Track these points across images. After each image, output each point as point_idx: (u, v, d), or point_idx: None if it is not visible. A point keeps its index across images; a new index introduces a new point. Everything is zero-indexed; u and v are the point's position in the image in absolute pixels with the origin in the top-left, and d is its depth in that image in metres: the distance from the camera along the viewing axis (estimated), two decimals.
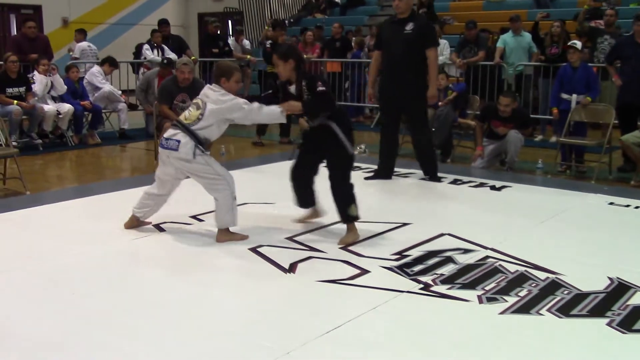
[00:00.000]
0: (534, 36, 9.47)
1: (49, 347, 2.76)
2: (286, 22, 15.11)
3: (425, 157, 6.22)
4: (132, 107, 9.60)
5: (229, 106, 4.10)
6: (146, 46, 10.42)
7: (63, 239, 4.24)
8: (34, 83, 8.27)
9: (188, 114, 4.18)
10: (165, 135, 4.20)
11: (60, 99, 8.50)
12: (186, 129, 4.09)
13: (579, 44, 7.23)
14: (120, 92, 9.45)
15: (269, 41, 10.05)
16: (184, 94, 6.81)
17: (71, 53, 11.24)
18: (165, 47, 10.20)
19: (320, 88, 4.19)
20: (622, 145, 6.62)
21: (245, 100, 4.16)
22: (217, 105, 4.10)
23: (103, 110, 9.16)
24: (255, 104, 4.16)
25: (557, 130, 7.69)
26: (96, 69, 9.34)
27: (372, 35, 11.41)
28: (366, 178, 6.06)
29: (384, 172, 6.19)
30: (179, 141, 4.08)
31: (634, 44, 7.13)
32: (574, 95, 7.06)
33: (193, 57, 10.47)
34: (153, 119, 7.72)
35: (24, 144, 8.04)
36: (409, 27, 5.79)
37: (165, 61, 9.15)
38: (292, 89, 4.30)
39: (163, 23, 10.88)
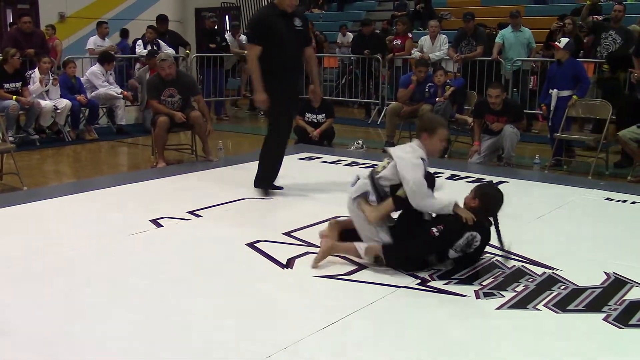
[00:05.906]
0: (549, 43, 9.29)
1: (49, 341, 2.76)
2: None
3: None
4: (134, 98, 9.63)
5: (401, 166, 3.64)
6: (138, 42, 10.42)
7: (60, 234, 4.23)
8: (30, 81, 8.25)
9: (381, 162, 3.88)
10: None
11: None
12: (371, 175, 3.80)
13: (564, 41, 7.13)
14: (120, 90, 9.37)
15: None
16: (172, 88, 6.79)
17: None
18: (162, 43, 10.18)
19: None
20: (619, 141, 6.62)
21: (422, 179, 3.60)
22: (398, 159, 3.68)
23: (100, 106, 9.14)
24: (426, 190, 3.60)
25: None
26: (97, 68, 9.19)
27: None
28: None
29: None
30: (358, 178, 3.85)
31: None
32: (555, 90, 7.04)
33: (187, 51, 10.58)
34: (150, 114, 7.72)
35: (21, 140, 8.03)
36: (298, 22, 5.23)
37: (148, 52, 9.22)
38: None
39: (162, 20, 10.86)
